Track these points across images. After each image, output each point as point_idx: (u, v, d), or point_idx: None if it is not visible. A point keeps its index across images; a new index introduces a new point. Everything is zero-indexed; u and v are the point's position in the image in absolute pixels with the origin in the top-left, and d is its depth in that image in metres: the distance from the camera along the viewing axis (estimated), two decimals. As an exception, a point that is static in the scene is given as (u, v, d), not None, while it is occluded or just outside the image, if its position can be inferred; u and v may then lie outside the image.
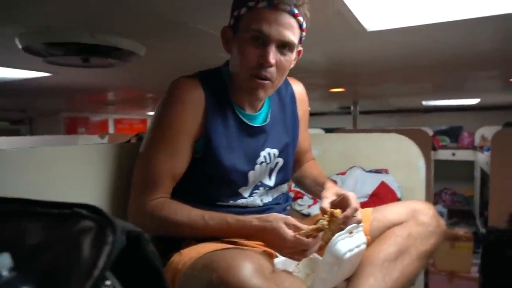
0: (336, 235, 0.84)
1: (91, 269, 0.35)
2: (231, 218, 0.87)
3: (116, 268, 0.39)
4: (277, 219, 0.84)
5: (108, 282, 0.38)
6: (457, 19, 1.26)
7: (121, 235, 0.38)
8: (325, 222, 0.84)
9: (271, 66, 0.90)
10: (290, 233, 0.82)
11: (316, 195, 1.15)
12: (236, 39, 0.93)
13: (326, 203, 0.93)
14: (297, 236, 0.81)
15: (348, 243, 0.86)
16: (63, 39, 1.31)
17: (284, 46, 0.91)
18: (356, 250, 0.88)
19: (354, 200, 0.92)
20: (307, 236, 0.82)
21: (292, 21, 0.89)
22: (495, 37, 1.64)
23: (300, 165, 1.25)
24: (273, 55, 0.89)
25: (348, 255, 0.85)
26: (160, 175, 0.93)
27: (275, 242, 0.83)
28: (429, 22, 1.29)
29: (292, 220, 0.84)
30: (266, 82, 0.93)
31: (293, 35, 0.90)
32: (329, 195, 0.96)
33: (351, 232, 0.88)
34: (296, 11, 0.89)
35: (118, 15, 1.22)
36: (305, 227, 0.83)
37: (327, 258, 0.85)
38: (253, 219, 0.86)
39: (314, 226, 0.83)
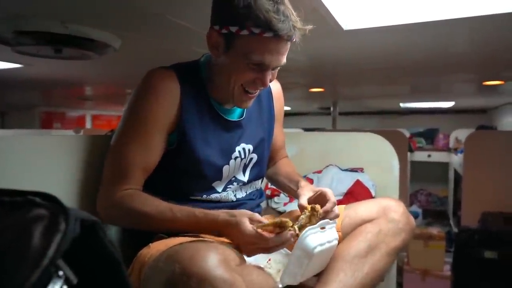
0: (307, 228, 0.85)
1: (40, 258, 0.34)
2: (199, 211, 0.86)
3: (71, 259, 0.38)
4: (242, 214, 0.83)
5: (61, 273, 0.37)
6: (430, 20, 1.28)
7: (75, 223, 0.37)
8: (294, 226, 0.84)
9: (266, 87, 0.94)
10: (250, 228, 0.81)
11: (290, 193, 1.16)
12: (230, 56, 0.90)
13: (303, 200, 0.94)
14: (258, 231, 0.80)
15: (319, 237, 0.86)
16: (33, 27, 1.26)
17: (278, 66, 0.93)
18: (327, 245, 0.88)
19: (332, 195, 0.94)
20: (270, 232, 0.81)
21: (289, 44, 0.90)
22: (469, 40, 1.68)
23: (274, 162, 1.25)
24: (269, 78, 0.92)
25: (318, 249, 0.85)
26: (131, 166, 0.91)
27: (237, 237, 0.82)
28: (404, 22, 1.31)
29: (257, 216, 0.84)
30: (255, 94, 0.97)
31: (285, 56, 0.91)
32: (305, 192, 0.98)
33: (323, 228, 0.88)
34: (293, 37, 0.87)
35: (92, 5, 1.19)
36: (268, 222, 0.82)
37: (296, 251, 0.85)
38: (220, 213, 0.85)
39: (273, 220, 0.82)
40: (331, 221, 0.90)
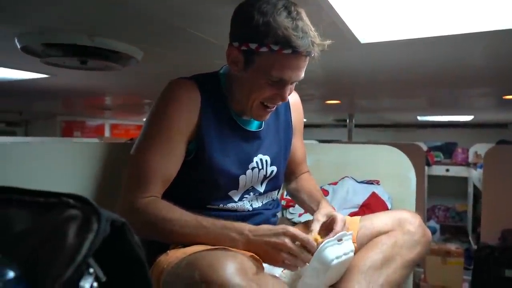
0: (325, 241, 0.85)
1: (74, 255, 0.36)
2: (226, 221, 0.87)
3: (100, 258, 0.41)
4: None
5: (91, 270, 0.39)
6: (448, 34, 1.29)
7: (106, 224, 0.39)
8: None
9: (285, 101, 0.97)
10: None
11: (309, 212, 1.16)
12: (250, 72, 0.91)
13: (316, 226, 0.97)
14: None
15: (336, 250, 0.87)
16: (61, 40, 1.33)
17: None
18: (344, 257, 0.89)
19: (340, 223, 0.95)
20: None
21: (308, 60, 0.91)
22: (487, 54, 1.68)
23: (296, 176, 1.25)
24: (288, 92, 0.94)
25: (335, 262, 0.85)
26: (153, 173, 0.91)
27: (273, 244, 0.82)
28: (421, 36, 1.32)
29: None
30: (273, 109, 0.99)
31: (304, 70, 0.93)
32: (320, 217, 0.99)
33: (339, 240, 0.89)
34: (312, 52, 0.88)
35: (117, 19, 1.24)
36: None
37: (314, 264, 0.85)
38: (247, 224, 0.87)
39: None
40: (347, 233, 0.91)
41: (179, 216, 0.87)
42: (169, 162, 0.94)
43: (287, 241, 0.81)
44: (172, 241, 0.92)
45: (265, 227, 0.85)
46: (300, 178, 1.25)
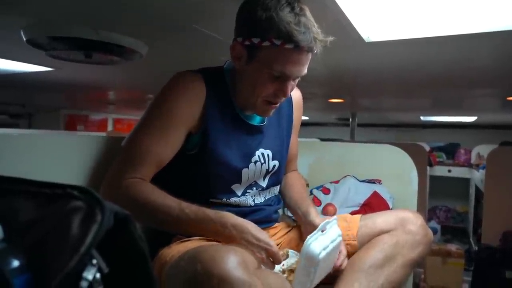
0: (308, 236, 0.86)
1: (78, 245, 0.37)
2: (208, 210, 0.88)
3: (103, 249, 0.41)
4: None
5: (94, 261, 0.40)
6: (453, 34, 1.28)
7: (110, 215, 0.39)
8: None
9: (287, 97, 0.97)
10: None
11: (295, 216, 1.15)
12: (252, 67, 0.92)
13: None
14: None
15: (321, 241, 0.87)
16: (67, 33, 1.33)
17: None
18: (331, 246, 0.89)
19: None
20: None
21: (310, 56, 0.92)
22: (492, 54, 1.67)
23: (284, 173, 1.24)
24: (290, 88, 0.95)
25: (323, 254, 0.85)
26: (144, 157, 0.90)
27: (246, 238, 0.86)
28: (426, 35, 1.31)
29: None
30: (278, 105, 1.00)
31: (307, 66, 0.93)
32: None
33: (323, 230, 0.89)
34: (314, 48, 0.89)
35: (123, 13, 1.24)
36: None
37: (302, 262, 0.85)
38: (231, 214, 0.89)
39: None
40: (330, 220, 0.92)
41: (162, 199, 0.86)
42: (162, 146, 0.93)
43: (265, 257, 0.85)
44: (152, 225, 0.91)
45: (251, 230, 0.86)
46: (289, 176, 1.25)
